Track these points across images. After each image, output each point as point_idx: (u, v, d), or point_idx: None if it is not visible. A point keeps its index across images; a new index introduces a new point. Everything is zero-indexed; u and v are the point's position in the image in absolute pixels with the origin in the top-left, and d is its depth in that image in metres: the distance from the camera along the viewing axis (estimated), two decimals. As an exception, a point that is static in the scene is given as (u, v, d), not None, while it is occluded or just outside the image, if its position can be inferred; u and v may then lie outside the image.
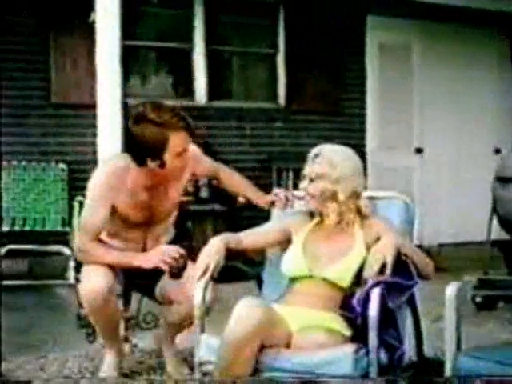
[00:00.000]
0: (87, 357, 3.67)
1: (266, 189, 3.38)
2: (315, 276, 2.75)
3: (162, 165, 2.97)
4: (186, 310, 3.00)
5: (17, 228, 5.67)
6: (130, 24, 5.35)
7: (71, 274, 5.24)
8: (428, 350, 2.92)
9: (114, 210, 3.07)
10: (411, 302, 2.75)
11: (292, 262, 2.82)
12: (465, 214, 7.44)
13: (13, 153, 5.83)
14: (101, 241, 3.09)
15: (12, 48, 5.97)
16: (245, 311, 2.47)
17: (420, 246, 3.71)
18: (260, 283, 3.10)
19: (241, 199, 3.42)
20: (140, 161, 3.00)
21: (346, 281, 2.72)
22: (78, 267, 3.26)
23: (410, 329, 2.79)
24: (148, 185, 3.09)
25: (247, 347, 2.45)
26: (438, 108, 7.62)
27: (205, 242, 2.78)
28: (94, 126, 4.70)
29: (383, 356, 2.51)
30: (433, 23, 7.45)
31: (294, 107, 7.02)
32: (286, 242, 2.91)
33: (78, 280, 3.25)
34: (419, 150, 7.62)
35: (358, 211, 2.84)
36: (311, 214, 2.92)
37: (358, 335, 2.56)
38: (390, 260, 2.60)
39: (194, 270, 2.76)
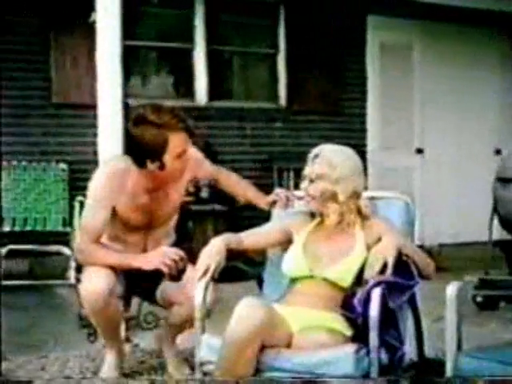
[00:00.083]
0: (88, 357, 3.67)
1: (267, 189, 3.38)
2: (316, 276, 2.74)
3: (162, 166, 2.97)
4: (186, 311, 3.00)
5: (17, 228, 5.66)
6: (130, 24, 5.34)
7: (72, 273, 5.23)
8: (429, 350, 2.91)
9: (114, 213, 3.07)
10: (412, 302, 2.74)
11: (293, 262, 2.82)
12: (466, 214, 7.44)
13: (13, 153, 5.82)
14: (101, 243, 3.08)
15: (13, 48, 5.97)
16: (246, 311, 2.47)
17: (421, 247, 3.71)
18: (261, 283, 3.10)
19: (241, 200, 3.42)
20: (140, 163, 3.00)
21: (346, 281, 2.72)
22: (79, 267, 3.26)
23: (410, 329, 2.79)
24: (148, 187, 3.09)
25: (248, 347, 2.45)
26: (439, 108, 7.62)
27: (205, 242, 2.78)
28: (95, 126, 4.70)
29: (384, 356, 2.51)
30: (434, 23, 7.45)
31: (295, 107, 7.02)
32: (286, 243, 2.91)
33: (78, 280, 3.25)
34: (420, 151, 7.62)
35: (359, 211, 2.84)
36: (312, 215, 2.92)
37: (359, 335, 2.56)
38: (390, 260, 2.60)
39: (194, 272, 2.76)
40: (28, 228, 5.69)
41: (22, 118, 6.03)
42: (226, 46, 6.98)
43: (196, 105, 6.65)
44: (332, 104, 7.16)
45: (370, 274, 2.60)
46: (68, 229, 5.58)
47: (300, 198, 3.05)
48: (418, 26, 7.49)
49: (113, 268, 3.00)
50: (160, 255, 2.95)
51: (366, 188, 2.93)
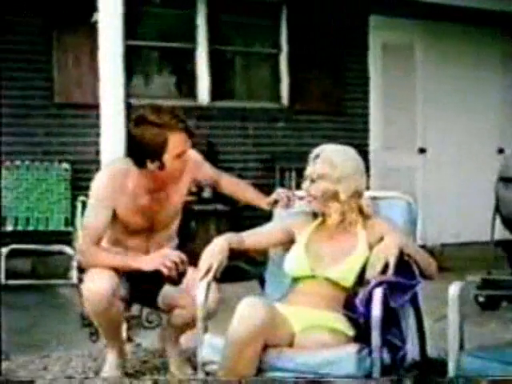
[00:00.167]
0: (90, 356, 3.68)
1: (269, 189, 3.38)
2: (318, 276, 2.74)
3: (162, 166, 2.98)
4: (189, 314, 2.99)
5: (20, 228, 5.67)
6: (132, 24, 5.35)
7: (74, 273, 5.24)
8: (431, 350, 2.91)
9: (115, 217, 3.08)
10: (414, 302, 2.74)
11: (295, 261, 2.82)
12: (468, 213, 7.43)
13: (16, 153, 5.83)
14: (102, 246, 3.09)
15: (15, 48, 5.97)
16: (247, 311, 2.47)
17: (423, 246, 3.71)
18: (262, 283, 3.10)
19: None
20: (140, 163, 3.00)
21: (348, 281, 2.72)
22: (81, 267, 3.26)
23: (412, 329, 2.79)
24: (149, 188, 3.09)
25: (250, 347, 2.45)
26: (441, 108, 7.61)
27: (208, 242, 2.77)
28: (97, 125, 4.69)
29: (386, 356, 2.51)
30: (436, 23, 7.45)
31: (297, 107, 7.02)
32: (288, 242, 2.91)
33: (80, 280, 3.26)
34: (422, 150, 7.62)
35: (361, 211, 2.84)
36: (314, 214, 2.92)
37: (361, 335, 2.56)
38: (392, 260, 2.59)
39: (195, 273, 2.76)
40: (30, 228, 5.70)
41: (25, 118, 6.03)
42: (228, 46, 6.98)
43: (198, 105, 6.65)
44: (334, 104, 7.16)
45: (372, 274, 2.60)
46: (70, 228, 5.58)
47: (301, 198, 3.05)
48: (419, 26, 7.49)
49: (115, 270, 3.00)
50: (161, 256, 2.96)
51: (368, 188, 2.93)
